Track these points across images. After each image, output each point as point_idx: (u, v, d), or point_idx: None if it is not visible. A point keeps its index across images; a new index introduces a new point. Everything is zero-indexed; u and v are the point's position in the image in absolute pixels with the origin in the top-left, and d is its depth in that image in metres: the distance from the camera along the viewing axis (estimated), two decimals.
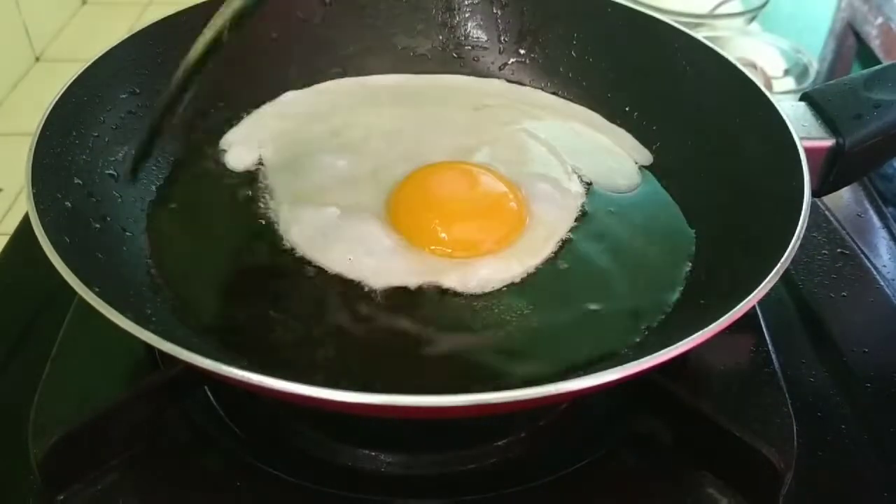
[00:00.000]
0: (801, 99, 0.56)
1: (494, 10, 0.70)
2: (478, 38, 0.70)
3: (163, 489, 0.45)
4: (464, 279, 0.51)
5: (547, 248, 0.54)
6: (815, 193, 0.55)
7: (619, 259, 0.54)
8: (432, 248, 0.53)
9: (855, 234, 0.64)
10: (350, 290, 0.51)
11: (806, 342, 0.56)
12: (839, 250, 0.62)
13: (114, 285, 0.44)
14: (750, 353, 0.51)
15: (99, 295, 0.39)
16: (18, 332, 0.54)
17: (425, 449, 0.48)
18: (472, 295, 0.51)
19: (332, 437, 0.48)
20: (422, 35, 0.70)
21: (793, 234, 0.45)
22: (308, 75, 0.67)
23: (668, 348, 0.38)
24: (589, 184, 0.60)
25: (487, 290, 0.51)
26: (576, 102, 0.67)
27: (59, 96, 0.52)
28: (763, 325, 0.52)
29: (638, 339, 0.48)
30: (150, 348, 0.48)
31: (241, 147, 0.61)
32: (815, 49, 1.05)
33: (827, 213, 0.66)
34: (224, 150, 0.61)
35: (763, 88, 0.55)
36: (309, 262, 0.52)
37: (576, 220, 0.56)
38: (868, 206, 0.68)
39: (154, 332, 0.38)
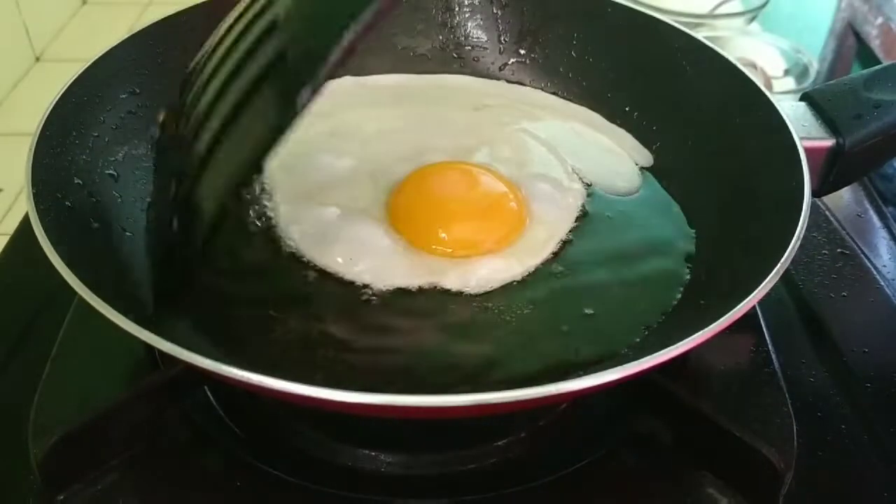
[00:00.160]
0: (801, 99, 0.56)
1: (494, 10, 0.70)
2: (478, 38, 0.70)
3: (163, 489, 0.45)
4: (464, 279, 0.51)
5: (547, 248, 0.54)
6: (815, 193, 0.55)
7: (618, 259, 0.54)
8: (432, 248, 0.53)
9: (855, 234, 0.64)
10: (350, 290, 0.51)
11: (806, 342, 0.56)
12: (839, 250, 0.62)
13: (114, 285, 0.44)
14: (750, 353, 0.51)
15: (99, 295, 0.39)
16: (18, 332, 0.54)
17: (425, 449, 0.48)
18: (472, 295, 0.51)
19: (332, 437, 0.48)
20: (422, 35, 0.70)
21: (793, 234, 0.45)
22: None
23: (668, 348, 0.38)
24: (589, 184, 0.60)
25: (487, 289, 0.51)
26: (576, 102, 0.67)
27: (59, 96, 0.52)
28: (763, 325, 0.52)
29: (638, 339, 0.48)
30: (150, 348, 0.48)
31: None
32: (815, 49, 1.05)
33: (827, 213, 0.66)
34: None
35: (763, 88, 0.55)
36: (309, 262, 0.52)
37: (576, 220, 0.56)
38: (868, 206, 0.68)
39: (154, 332, 0.38)
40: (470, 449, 0.48)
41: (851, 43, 1.04)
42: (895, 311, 0.58)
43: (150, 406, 0.46)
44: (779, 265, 0.43)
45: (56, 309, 0.52)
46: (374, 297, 0.50)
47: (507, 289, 0.51)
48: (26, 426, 0.44)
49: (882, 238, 0.65)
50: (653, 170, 0.61)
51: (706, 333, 0.39)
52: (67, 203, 0.49)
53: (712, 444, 0.45)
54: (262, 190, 0.58)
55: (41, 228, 0.43)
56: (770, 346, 0.51)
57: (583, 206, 0.58)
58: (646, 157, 0.62)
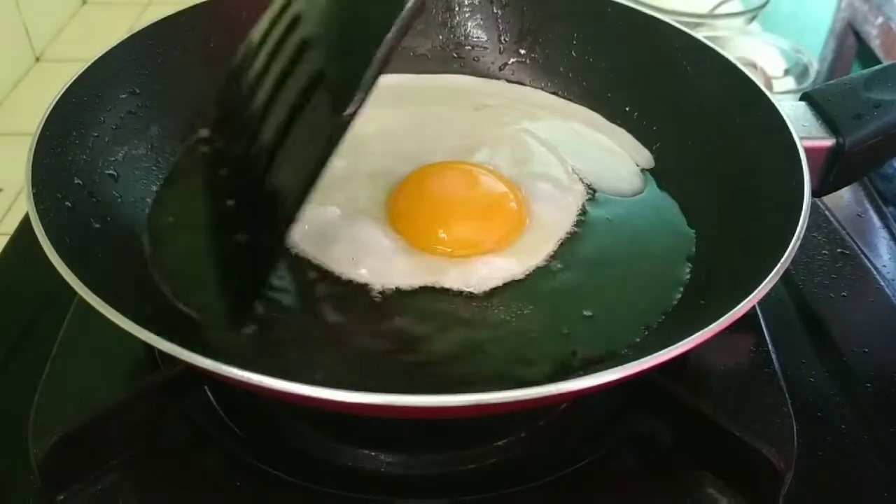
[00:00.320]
0: (801, 99, 0.56)
1: (494, 10, 0.70)
2: (478, 38, 0.70)
3: (163, 489, 0.45)
4: (464, 279, 0.51)
5: (547, 248, 0.54)
6: (816, 193, 0.55)
7: (618, 259, 0.54)
8: (432, 248, 0.53)
9: (855, 234, 0.64)
10: (350, 289, 0.51)
11: (806, 342, 0.56)
12: (839, 250, 0.62)
13: (114, 285, 0.44)
14: (750, 353, 0.51)
15: (99, 295, 0.39)
16: (18, 332, 0.54)
17: (425, 449, 0.48)
18: (472, 295, 0.51)
19: (332, 437, 0.48)
20: (422, 35, 0.70)
21: (793, 234, 0.45)
22: None
23: (668, 348, 0.38)
24: (589, 184, 0.60)
25: (488, 289, 0.51)
26: (576, 102, 0.67)
27: (59, 96, 0.52)
28: (763, 325, 0.52)
29: (638, 339, 0.48)
30: (150, 348, 0.48)
31: None
32: (815, 49, 1.05)
33: (827, 213, 0.66)
34: None
35: (763, 88, 0.55)
36: (309, 262, 0.52)
37: (576, 219, 0.56)
38: (868, 206, 0.68)
39: (154, 332, 0.38)
40: (470, 449, 0.48)
41: (851, 43, 1.04)
42: (895, 311, 0.58)
43: (150, 406, 0.46)
44: (779, 265, 0.43)
45: (56, 309, 0.52)
46: (373, 297, 0.50)
47: (508, 288, 0.51)
48: (26, 426, 0.44)
49: (882, 238, 0.65)
50: (653, 170, 0.61)
51: (706, 333, 0.39)
52: (67, 203, 0.49)
53: (712, 444, 0.45)
54: None
55: (41, 228, 0.43)
56: (770, 346, 0.51)
57: (583, 206, 0.58)
58: (646, 158, 0.62)
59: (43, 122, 0.50)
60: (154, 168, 0.57)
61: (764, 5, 0.97)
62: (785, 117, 0.52)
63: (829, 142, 0.53)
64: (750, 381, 0.50)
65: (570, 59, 0.68)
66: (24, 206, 0.47)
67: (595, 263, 0.53)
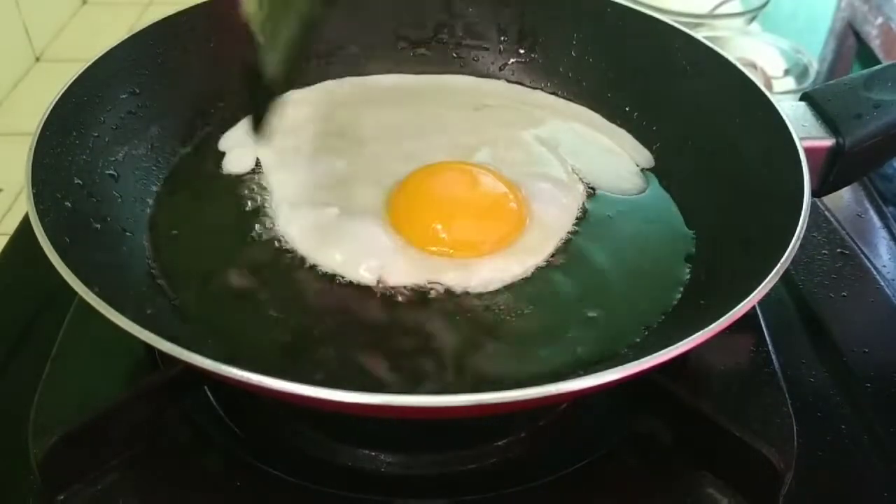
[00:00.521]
0: (801, 99, 0.56)
1: (494, 10, 0.69)
2: (478, 38, 0.70)
3: (163, 489, 0.45)
4: (464, 279, 0.51)
5: (547, 248, 0.54)
6: (815, 193, 0.55)
7: (619, 259, 0.54)
8: (432, 248, 0.53)
9: (855, 234, 0.64)
10: (350, 290, 0.51)
11: (806, 342, 0.56)
12: (839, 250, 0.62)
13: (114, 285, 0.44)
14: (750, 353, 0.51)
15: (99, 295, 0.39)
16: (18, 332, 0.54)
17: (425, 449, 0.48)
18: (472, 295, 0.51)
19: (332, 437, 0.48)
20: (422, 35, 0.70)
21: (793, 234, 0.45)
22: (308, 75, 0.67)
23: (668, 348, 0.38)
24: (589, 184, 0.60)
25: (488, 289, 0.51)
26: (576, 102, 0.68)
27: (59, 96, 0.52)
28: (763, 325, 0.52)
29: (638, 339, 0.48)
30: (150, 348, 0.47)
31: (240, 147, 0.61)
32: (815, 49, 1.05)
33: (827, 213, 0.66)
34: (224, 151, 0.61)
35: (763, 88, 0.55)
36: (309, 262, 0.52)
37: (576, 219, 0.56)
38: (868, 206, 0.68)
39: (154, 332, 0.38)
40: (470, 449, 0.48)
41: (851, 43, 1.04)
42: (895, 311, 0.58)
43: (150, 406, 0.46)
44: (779, 265, 0.43)
45: (56, 309, 0.52)
46: (374, 298, 0.50)
47: (508, 289, 0.51)
48: (26, 426, 0.44)
49: (882, 238, 0.65)
50: (653, 170, 0.61)
51: (706, 333, 0.39)
52: (67, 203, 0.49)
53: (712, 444, 0.45)
54: (262, 190, 0.58)
55: (41, 228, 0.43)
56: (770, 346, 0.51)
57: (583, 205, 0.58)
58: (646, 158, 0.62)
59: (43, 122, 0.50)
60: (154, 168, 0.57)
61: (764, 5, 0.97)
62: (785, 117, 0.52)
63: (829, 142, 0.53)
64: (750, 381, 0.50)
65: (570, 59, 0.68)
66: (24, 206, 0.47)
67: (595, 263, 0.53)
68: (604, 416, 0.50)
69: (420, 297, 0.50)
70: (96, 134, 0.54)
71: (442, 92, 0.68)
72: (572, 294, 0.51)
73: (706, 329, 0.39)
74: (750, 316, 0.52)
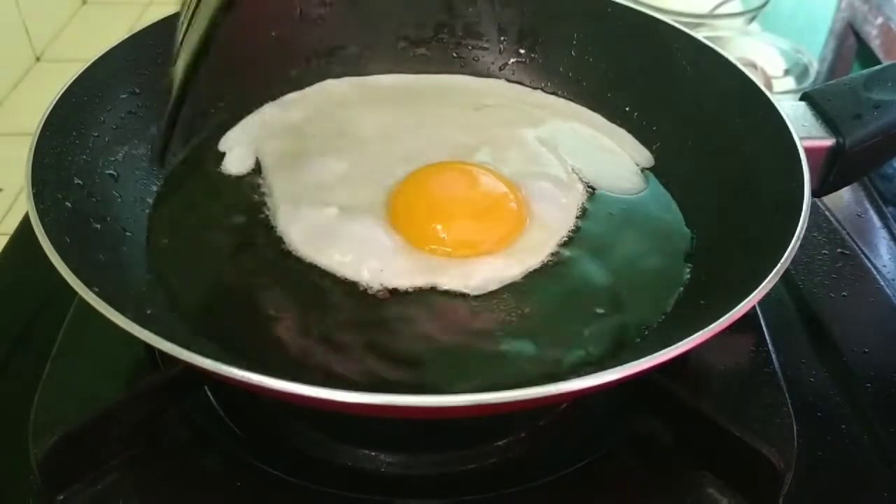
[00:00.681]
0: (801, 99, 0.56)
1: (494, 10, 0.69)
2: (478, 38, 0.70)
3: (163, 489, 0.45)
4: (464, 279, 0.51)
5: (547, 248, 0.54)
6: (816, 193, 0.55)
7: (619, 259, 0.54)
8: (432, 248, 0.53)
9: (855, 234, 0.64)
10: (350, 289, 0.51)
11: (806, 342, 0.56)
12: (839, 250, 0.62)
13: (114, 285, 0.44)
14: (750, 353, 0.51)
15: (99, 295, 0.39)
16: (18, 332, 0.54)
17: (425, 449, 0.48)
18: (472, 295, 0.51)
19: (332, 437, 0.48)
20: (422, 35, 0.70)
21: (793, 234, 0.45)
22: (308, 75, 0.67)
23: (668, 348, 0.38)
24: (589, 183, 0.60)
25: (488, 290, 0.51)
26: (576, 102, 0.68)
27: (59, 96, 0.52)
28: (763, 325, 0.52)
29: (638, 339, 0.48)
30: (150, 348, 0.48)
31: (240, 147, 0.61)
32: (815, 49, 1.05)
33: (827, 213, 0.66)
34: (224, 151, 0.61)
35: (763, 88, 0.55)
36: (309, 262, 0.52)
37: (576, 220, 0.56)
38: (868, 206, 0.68)
39: (154, 332, 0.38)
40: (470, 449, 0.48)
41: (851, 43, 1.04)
42: (895, 311, 0.58)
43: (150, 406, 0.46)
44: (779, 265, 0.43)
45: (56, 309, 0.52)
46: (374, 297, 0.50)
47: (507, 289, 0.51)
48: (26, 426, 0.44)
49: (882, 238, 0.65)
50: (653, 170, 0.61)
51: (706, 333, 0.39)
52: (67, 203, 0.49)
53: (712, 444, 0.45)
54: (262, 190, 0.58)
55: (41, 228, 0.43)
56: (770, 346, 0.51)
57: (583, 206, 0.58)
58: (646, 157, 0.62)
59: (43, 122, 0.50)
60: (154, 168, 0.57)
61: (764, 5, 0.97)
62: (785, 117, 0.52)
63: (829, 142, 0.53)
64: (750, 381, 0.50)
65: (570, 59, 0.68)
66: (24, 206, 0.47)
67: (594, 264, 0.53)
68: (604, 416, 0.50)
69: (420, 296, 0.50)
70: (96, 134, 0.54)
71: (442, 92, 0.68)
72: (571, 294, 0.51)
73: (706, 329, 0.39)
74: (750, 316, 0.52)
